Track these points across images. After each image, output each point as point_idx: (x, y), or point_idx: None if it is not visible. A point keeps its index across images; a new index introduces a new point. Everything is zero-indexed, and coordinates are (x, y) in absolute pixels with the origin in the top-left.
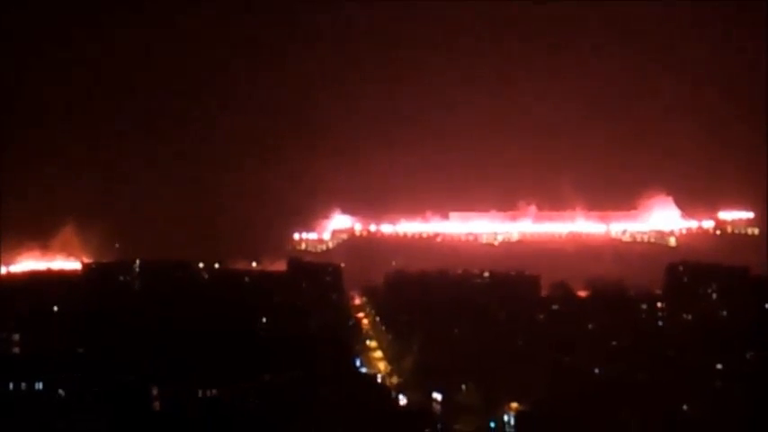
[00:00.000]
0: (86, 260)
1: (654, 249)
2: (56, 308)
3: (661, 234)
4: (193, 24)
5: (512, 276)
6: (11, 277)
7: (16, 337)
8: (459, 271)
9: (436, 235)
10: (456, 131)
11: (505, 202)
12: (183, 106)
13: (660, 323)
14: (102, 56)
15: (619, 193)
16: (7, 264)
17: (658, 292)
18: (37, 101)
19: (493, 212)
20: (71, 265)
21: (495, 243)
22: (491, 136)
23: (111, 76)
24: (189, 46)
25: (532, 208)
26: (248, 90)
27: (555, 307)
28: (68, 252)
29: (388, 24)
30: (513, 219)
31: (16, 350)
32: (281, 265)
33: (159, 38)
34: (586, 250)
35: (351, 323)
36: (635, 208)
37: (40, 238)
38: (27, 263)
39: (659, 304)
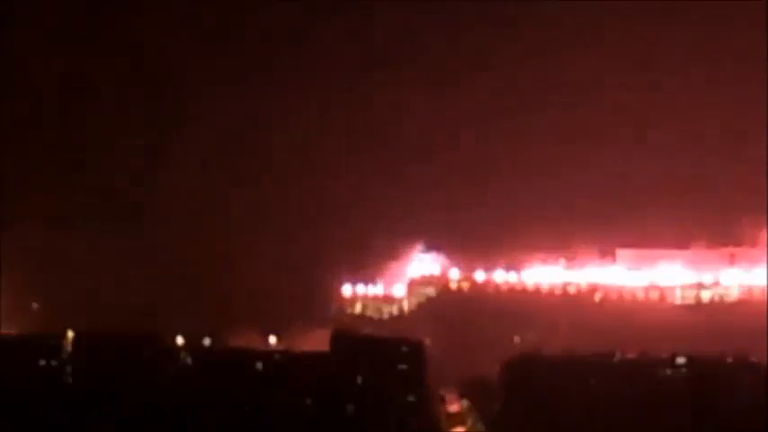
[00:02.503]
0: None
1: None
2: None
3: None
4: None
5: (728, 364)
6: None
7: None
8: (635, 354)
9: (593, 288)
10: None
11: (714, 232)
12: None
13: None
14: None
15: None
16: None
17: None
18: None
19: (696, 249)
20: None
21: (699, 302)
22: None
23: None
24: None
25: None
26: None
27: None
28: None
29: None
30: (729, 260)
31: None
32: (318, 341)
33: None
34: None
35: None
36: None
37: None
38: None
39: None
